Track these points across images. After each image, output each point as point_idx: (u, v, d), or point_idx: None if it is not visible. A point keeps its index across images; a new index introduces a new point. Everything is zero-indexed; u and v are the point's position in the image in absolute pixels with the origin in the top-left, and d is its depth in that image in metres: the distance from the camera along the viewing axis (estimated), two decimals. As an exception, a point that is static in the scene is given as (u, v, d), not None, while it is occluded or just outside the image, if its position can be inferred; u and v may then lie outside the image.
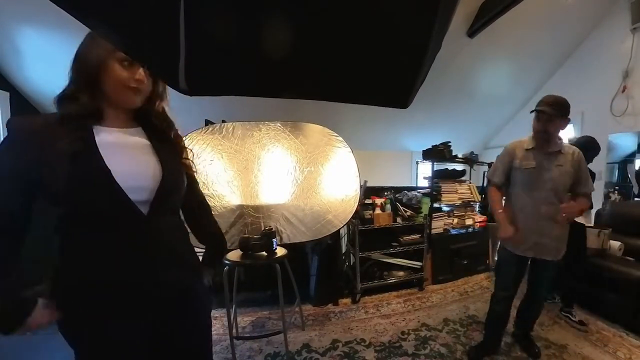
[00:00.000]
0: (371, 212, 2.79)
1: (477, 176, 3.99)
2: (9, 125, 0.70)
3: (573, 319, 2.26)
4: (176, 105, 0.90)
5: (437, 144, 3.26)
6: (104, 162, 0.70)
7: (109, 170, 0.70)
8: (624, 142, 3.34)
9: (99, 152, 0.71)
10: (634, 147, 3.26)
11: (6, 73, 2.90)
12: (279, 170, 2.09)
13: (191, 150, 0.95)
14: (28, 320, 0.69)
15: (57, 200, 0.70)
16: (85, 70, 0.72)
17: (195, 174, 0.98)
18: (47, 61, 2.78)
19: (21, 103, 3.04)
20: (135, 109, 0.81)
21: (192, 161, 0.94)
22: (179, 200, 0.88)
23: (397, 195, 3.02)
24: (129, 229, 0.74)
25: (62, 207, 0.71)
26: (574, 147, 1.74)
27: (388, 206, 2.87)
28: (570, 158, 1.67)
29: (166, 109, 0.88)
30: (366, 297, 2.80)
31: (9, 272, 0.70)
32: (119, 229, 0.73)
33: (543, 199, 1.67)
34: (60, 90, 0.73)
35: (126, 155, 0.76)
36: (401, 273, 2.96)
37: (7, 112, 2.93)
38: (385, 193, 2.99)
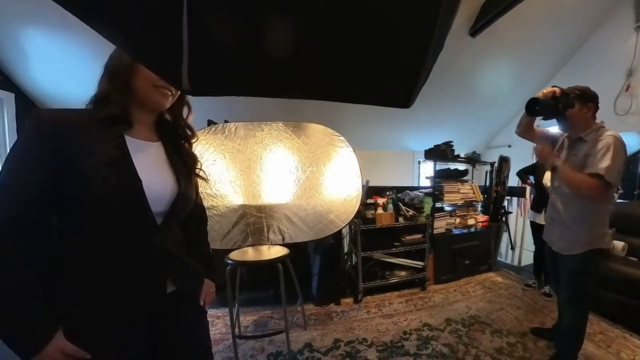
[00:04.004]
0: (373, 211, 2.79)
1: (480, 176, 3.98)
2: (33, 116, 0.67)
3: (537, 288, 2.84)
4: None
5: (439, 143, 3.25)
6: (138, 174, 0.73)
7: (141, 182, 0.73)
8: (628, 141, 3.31)
9: (134, 163, 0.73)
10: (638, 146, 3.23)
11: (11, 74, 2.92)
12: (281, 170, 2.10)
13: (200, 163, 0.96)
14: (46, 349, 0.64)
15: (80, 205, 0.68)
16: (117, 72, 0.74)
17: (207, 181, 1.01)
18: (51, 62, 2.80)
19: (26, 104, 3.06)
20: (156, 122, 0.84)
21: (203, 171, 0.97)
22: (187, 213, 0.90)
23: (399, 195, 3.01)
24: (143, 238, 0.77)
25: (80, 211, 0.69)
26: (610, 132, 1.49)
27: (390, 206, 2.87)
28: (591, 145, 1.49)
29: (190, 118, 0.91)
30: (368, 296, 2.80)
31: (32, 293, 0.65)
32: (133, 237, 0.75)
33: (558, 190, 1.66)
34: (93, 94, 0.75)
35: (151, 169, 0.78)
36: (403, 273, 2.96)
37: (12, 114, 2.96)
38: (388, 193, 2.99)
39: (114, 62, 0.75)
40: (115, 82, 0.74)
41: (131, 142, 0.76)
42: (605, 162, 1.40)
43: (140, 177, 0.73)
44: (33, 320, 0.65)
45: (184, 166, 0.88)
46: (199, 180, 0.99)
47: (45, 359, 0.64)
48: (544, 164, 1.58)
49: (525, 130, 1.76)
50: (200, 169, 0.96)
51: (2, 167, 0.66)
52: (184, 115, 0.90)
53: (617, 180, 1.43)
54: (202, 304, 0.94)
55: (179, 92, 0.82)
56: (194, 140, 0.95)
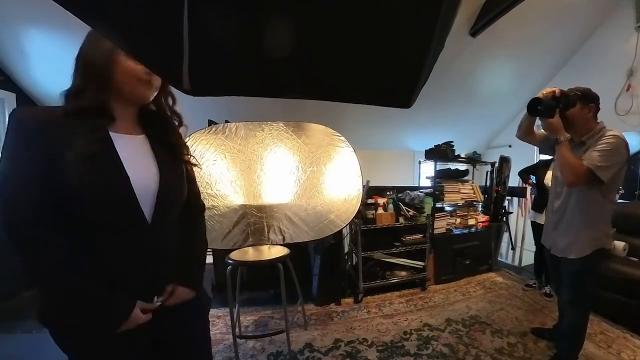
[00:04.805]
0: (374, 211, 2.79)
1: (480, 176, 3.97)
2: (16, 116, 0.66)
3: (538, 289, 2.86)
4: (180, 105, 0.91)
5: (440, 143, 3.25)
6: (125, 169, 0.71)
7: (129, 178, 0.71)
8: (629, 142, 3.32)
9: (120, 159, 0.71)
10: (639, 147, 3.23)
11: (12, 74, 2.93)
12: (281, 170, 2.10)
13: (189, 150, 0.93)
14: (126, 322, 0.71)
15: (67, 202, 0.67)
16: (93, 65, 0.71)
17: (199, 170, 0.97)
18: (52, 62, 2.80)
19: (27, 104, 3.07)
20: (139, 113, 0.81)
21: (194, 157, 0.93)
22: (179, 207, 0.88)
23: (399, 195, 3.01)
24: (134, 236, 0.75)
25: (69, 208, 0.68)
26: (613, 132, 1.48)
27: (390, 206, 2.87)
28: (593, 145, 1.48)
29: (176, 107, 0.88)
30: (368, 296, 2.80)
31: (81, 270, 0.68)
32: (125, 235, 0.74)
33: (558, 194, 1.65)
34: (66, 88, 0.72)
35: (136, 164, 0.75)
36: (403, 273, 2.96)
37: (12, 113, 2.96)
38: (388, 193, 2.98)
39: (88, 58, 0.72)
40: (90, 75, 0.71)
41: (115, 137, 0.73)
42: (600, 158, 1.42)
43: (128, 174, 0.71)
44: (111, 297, 0.71)
45: (170, 158, 0.84)
46: (201, 178, 0.96)
47: (133, 321, 0.72)
48: (550, 134, 1.56)
49: (526, 133, 1.77)
50: (190, 156, 0.91)
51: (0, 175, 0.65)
52: (169, 102, 0.86)
53: (607, 178, 1.42)
54: (158, 301, 0.80)
55: (162, 82, 0.79)
56: (182, 128, 0.90)
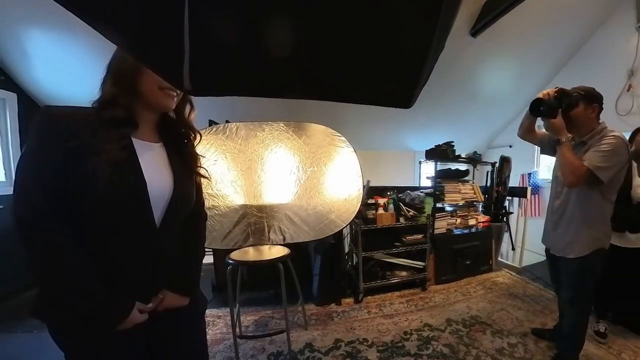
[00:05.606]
0: (374, 212, 2.79)
1: (481, 176, 3.97)
2: (45, 114, 0.68)
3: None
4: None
5: (440, 143, 3.25)
6: (144, 176, 0.74)
7: (146, 184, 0.74)
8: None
9: (140, 167, 0.74)
10: None
11: (13, 75, 2.93)
12: (282, 170, 2.10)
13: (200, 162, 0.95)
14: (125, 322, 0.72)
15: (87, 202, 0.68)
16: (122, 74, 0.74)
17: (209, 179, 1.00)
18: (53, 63, 2.81)
19: (28, 104, 3.07)
20: (158, 122, 0.84)
21: (205, 169, 0.96)
22: (186, 214, 0.90)
23: (400, 195, 3.01)
24: (141, 239, 0.77)
25: (84, 208, 0.69)
26: (614, 132, 1.47)
27: (391, 206, 2.87)
28: (594, 145, 1.48)
29: (193, 115, 0.90)
30: (369, 297, 2.80)
31: (85, 270, 0.69)
32: (132, 237, 0.75)
33: (558, 193, 1.66)
34: (98, 95, 0.75)
35: (152, 170, 0.78)
36: (404, 273, 2.96)
37: (14, 114, 2.97)
38: (388, 193, 2.98)
39: (118, 64, 0.75)
40: (120, 84, 0.73)
41: (136, 144, 0.76)
42: (600, 158, 1.42)
43: (146, 180, 0.74)
44: (111, 295, 0.71)
45: (185, 167, 0.88)
46: (203, 180, 0.98)
47: (131, 320, 0.73)
48: (551, 134, 1.56)
49: (527, 132, 1.78)
50: (202, 168, 0.95)
51: (18, 167, 0.67)
52: (186, 113, 0.89)
53: (606, 178, 1.42)
54: (149, 306, 0.80)
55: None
56: (196, 142, 0.94)
